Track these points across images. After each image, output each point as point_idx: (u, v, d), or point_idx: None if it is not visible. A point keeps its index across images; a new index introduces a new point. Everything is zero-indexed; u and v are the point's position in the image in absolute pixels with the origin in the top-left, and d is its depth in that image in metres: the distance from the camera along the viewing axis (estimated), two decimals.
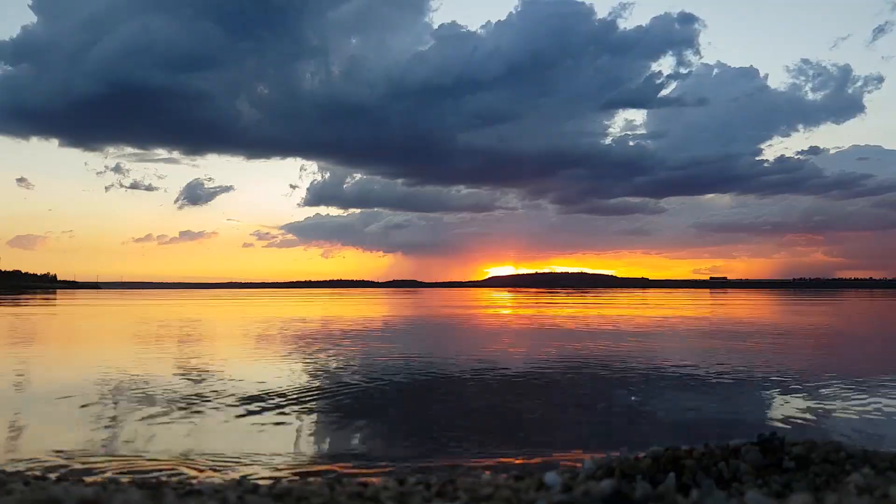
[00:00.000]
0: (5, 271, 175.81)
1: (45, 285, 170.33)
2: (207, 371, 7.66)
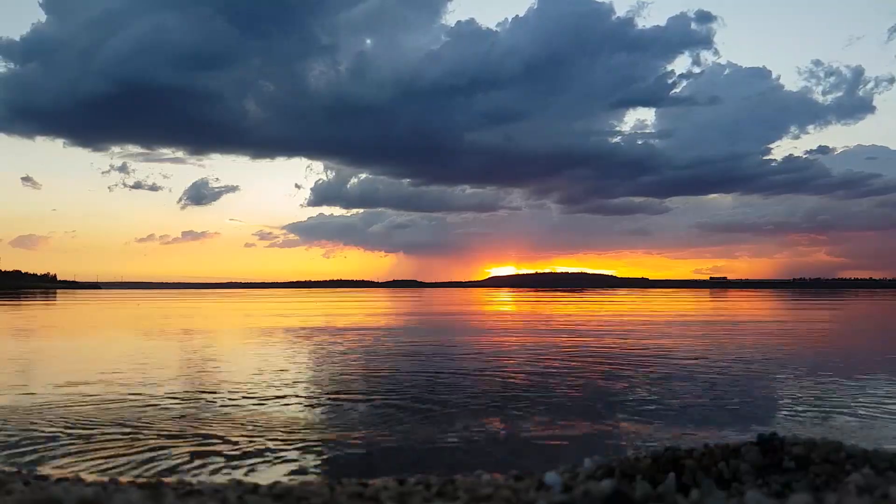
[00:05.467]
0: (5, 271, 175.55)
1: (45, 285, 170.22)
2: (209, 375, 7.66)
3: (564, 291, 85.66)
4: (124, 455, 3.83)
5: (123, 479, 2.65)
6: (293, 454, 3.89)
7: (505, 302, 39.59)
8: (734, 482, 1.83)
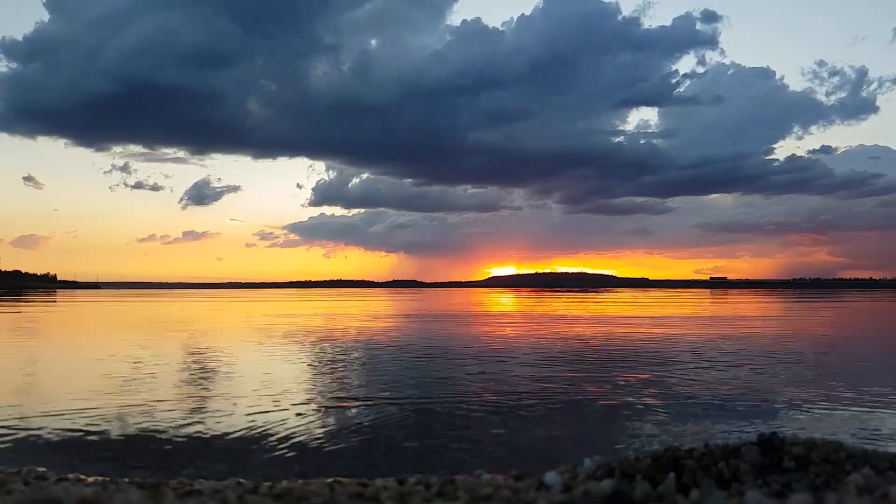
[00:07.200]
0: (4, 271, 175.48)
1: (45, 285, 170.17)
2: (210, 376, 7.66)
3: (565, 291, 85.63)
4: (125, 455, 3.83)
5: (123, 479, 2.65)
6: (293, 454, 3.89)
7: (505, 303, 39.57)
8: (734, 482, 1.83)
